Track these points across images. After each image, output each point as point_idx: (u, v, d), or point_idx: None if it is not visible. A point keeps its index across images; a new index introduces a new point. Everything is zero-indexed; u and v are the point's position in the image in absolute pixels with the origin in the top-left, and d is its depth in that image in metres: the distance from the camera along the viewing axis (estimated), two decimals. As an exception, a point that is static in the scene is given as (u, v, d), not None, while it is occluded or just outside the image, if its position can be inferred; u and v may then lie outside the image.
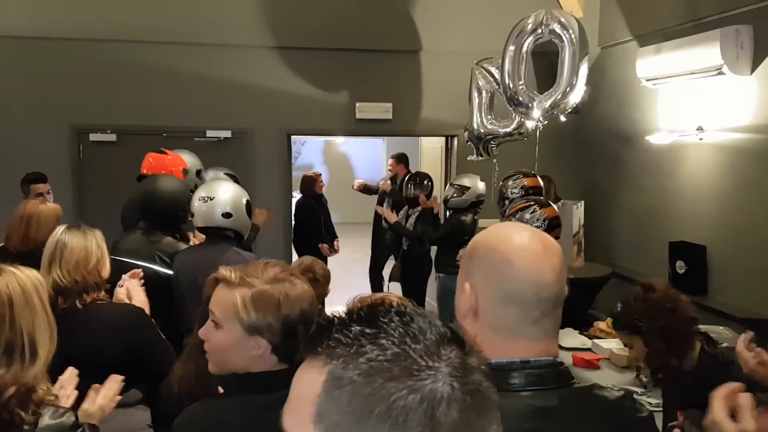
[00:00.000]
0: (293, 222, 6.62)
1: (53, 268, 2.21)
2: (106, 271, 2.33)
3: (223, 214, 2.93)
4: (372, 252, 7.13)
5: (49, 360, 1.54)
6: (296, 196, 7.03)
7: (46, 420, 1.48)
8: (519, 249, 1.06)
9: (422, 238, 5.51)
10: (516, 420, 0.98)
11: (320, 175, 6.99)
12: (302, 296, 1.44)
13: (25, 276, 1.57)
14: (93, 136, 5.82)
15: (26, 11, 5.55)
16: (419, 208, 5.61)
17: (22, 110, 5.61)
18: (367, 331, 0.64)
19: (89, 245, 2.28)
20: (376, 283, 6.88)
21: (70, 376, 1.76)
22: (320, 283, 2.84)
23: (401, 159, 6.99)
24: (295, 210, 6.72)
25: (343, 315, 0.67)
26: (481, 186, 5.22)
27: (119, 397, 1.92)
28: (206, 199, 2.94)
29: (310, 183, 6.81)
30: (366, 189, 7.59)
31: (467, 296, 1.07)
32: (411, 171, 6.57)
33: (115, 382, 1.94)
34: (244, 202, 3.02)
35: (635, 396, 2.59)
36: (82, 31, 5.60)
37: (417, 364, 0.61)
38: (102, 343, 2.19)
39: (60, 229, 2.34)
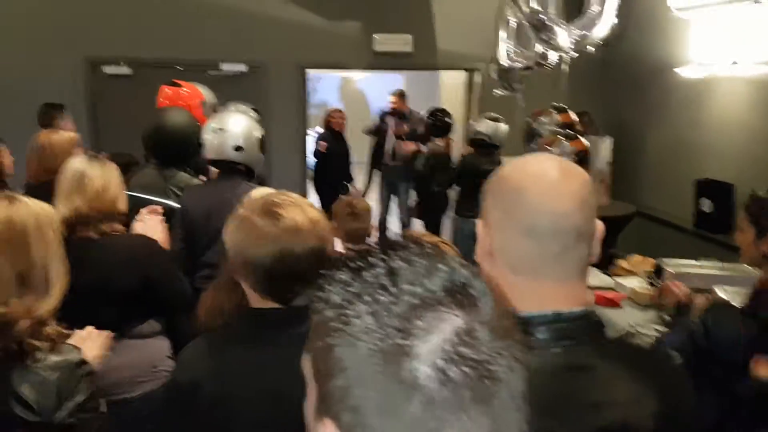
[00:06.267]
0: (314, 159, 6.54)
1: (73, 196, 2.18)
2: (122, 204, 2.30)
3: (234, 148, 2.84)
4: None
5: (62, 295, 1.51)
6: (312, 133, 6.89)
7: (52, 356, 1.45)
8: (532, 176, 0.96)
9: (426, 179, 5.41)
10: (544, 380, 0.86)
11: (340, 111, 6.72)
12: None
13: (39, 208, 1.54)
14: (107, 69, 5.75)
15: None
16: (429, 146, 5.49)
17: (36, 42, 5.52)
18: (351, 289, 0.57)
19: (108, 176, 2.25)
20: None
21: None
22: (361, 218, 2.78)
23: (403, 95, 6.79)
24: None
25: (339, 261, 0.60)
26: (486, 125, 4.90)
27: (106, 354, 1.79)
28: (217, 130, 2.85)
29: (329, 118, 6.66)
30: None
31: (482, 236, 0.99)
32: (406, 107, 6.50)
33: (103, 336, 1.80)
34: (257, 136, 2.92)
35: (660, 332, 2.55)
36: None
37: (391, 339, 0.53)
38: (117, 273, 2.17)
39: (79, 158, 2.31)
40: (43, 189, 2.38)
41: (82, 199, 2.17)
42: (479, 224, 1.01)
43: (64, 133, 3.22)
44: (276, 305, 1.37)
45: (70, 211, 2.15)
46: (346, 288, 0.57)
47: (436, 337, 0.53)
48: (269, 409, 1.27)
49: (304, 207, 1.40)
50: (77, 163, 2.25)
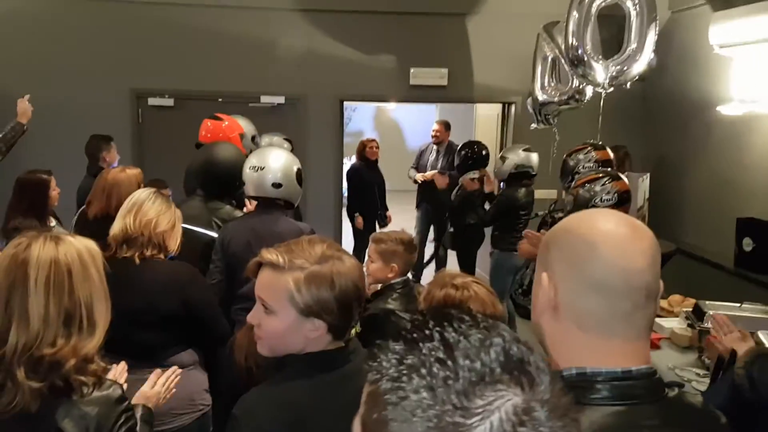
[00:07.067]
0: (347, 187, 6.59)
1: (127, 216, 2.30)
2: (172, 243, 2.38)
3: (273, 184, 2.89)
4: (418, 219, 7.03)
5: (105, 332, 1.54)
6: (347, 162, 6.93)
7: (93, 392, 1.47)
8: (604, 231, 0.94)
9: (461, 212, 5.40)
10: None
11: (373, 140, 6.75)
12: (352, 271, 1.39)
13: (83, 246, 1.55)
14: (151, 101, 5.91)
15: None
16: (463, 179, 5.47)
17: (85, 75, 5.72)
18: (407, 361, 0.56)
19: (165, 214, 2.35)
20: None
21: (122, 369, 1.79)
22: (416, 249, 2.85)
23: (448, 126, 6.87)
24: (348, 175, 6.62)
25: (395, 331, 0.60)
26: (520, 157, 4.90)
27: (174, 390, 1.92)
28: (257, 168, 2.90)
29: (363, 148, 6.71)
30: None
31: (545, 289, 0.97)
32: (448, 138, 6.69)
33: (174, 372, 1.95)
34: (295, 170, 2.97)
35: (699, 375, 2.47)
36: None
37: (449, 417, 0.52)
38: (158, 296, 2.23)
39: (147, 190, 2.44)
40: (95, 224, 2.46)
41: (132, 221, 2.28)
42: (543, 276, 0.99)
43: (130, 171, 3.34)
44: (337, 344, 1.39)
45: (120, 230, 2.26)
46: (402, 360, 0.56)
47: (495, 417, 0.52)
48: None
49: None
50: (143, 193, 2.39)
